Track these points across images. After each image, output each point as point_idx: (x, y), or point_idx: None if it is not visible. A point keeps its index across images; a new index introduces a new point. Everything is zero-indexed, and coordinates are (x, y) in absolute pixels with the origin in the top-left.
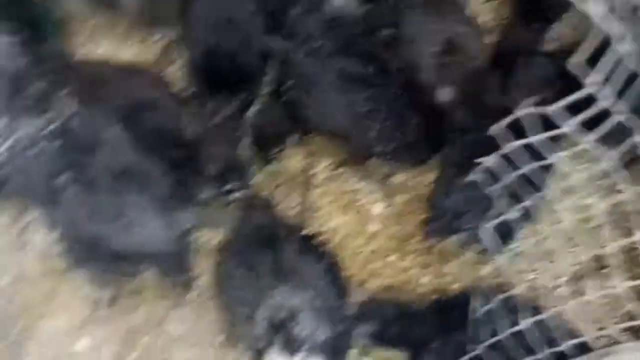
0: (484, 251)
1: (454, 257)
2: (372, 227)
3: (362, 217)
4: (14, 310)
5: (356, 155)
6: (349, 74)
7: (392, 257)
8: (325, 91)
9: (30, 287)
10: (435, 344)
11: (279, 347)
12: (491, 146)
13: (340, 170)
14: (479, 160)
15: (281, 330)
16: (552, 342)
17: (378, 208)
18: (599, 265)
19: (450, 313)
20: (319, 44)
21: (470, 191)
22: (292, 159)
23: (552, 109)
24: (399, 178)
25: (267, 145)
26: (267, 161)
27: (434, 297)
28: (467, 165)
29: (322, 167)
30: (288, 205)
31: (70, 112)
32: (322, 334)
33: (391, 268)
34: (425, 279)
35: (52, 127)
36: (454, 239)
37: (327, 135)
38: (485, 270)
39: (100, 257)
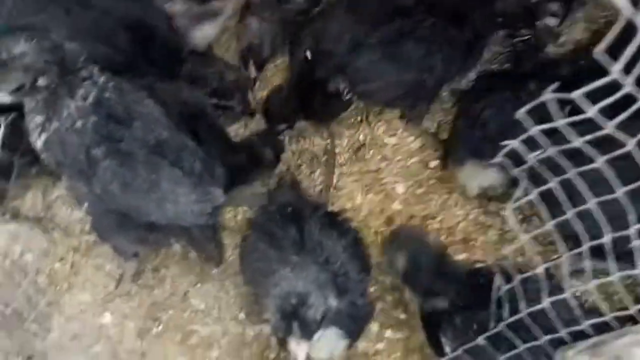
0: (506, 231)
1: (477, 236)
2: (395, 206)
3: (385, 197)
4: (40, 285)
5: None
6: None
7: None
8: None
9: (57, 262)
10: (458, 319)
11: (297, 334)
12: None
13: (363, 150)
14: (504, 142)
15: (295, 317)
16: (572, 322)
17: (401, 188)
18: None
19: (473, 290)
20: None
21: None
22: (316, 139)
23: (577, 94)
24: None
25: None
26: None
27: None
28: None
29: (346, 147)
30: (312, 184)
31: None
32: (342, 307)
33: None
34: None
35: (87, 102)
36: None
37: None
38: (508, 249)
39: (132, 229)
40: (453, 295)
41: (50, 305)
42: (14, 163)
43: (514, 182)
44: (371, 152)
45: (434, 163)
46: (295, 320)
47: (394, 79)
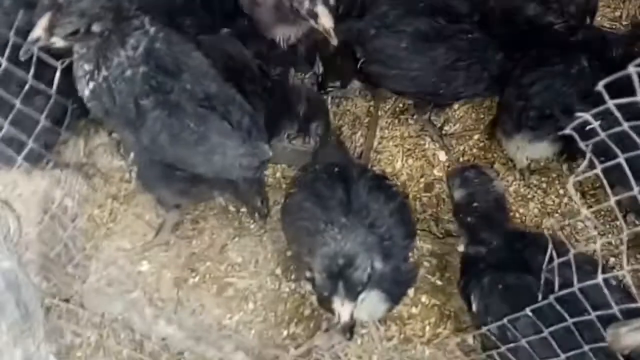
0: (547, 204)
1: (518, 208)
2: (436, 173)
3: (425, 163)
4: (80, 230)
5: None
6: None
7: None
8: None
9: (96, 208)
10: (486, 279)
11: (342, 294)
12: None
13: (406, 114)
14: (578, 114)
15: (341, 277)
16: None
17: (442, 155)
18: None
19: (508, 251)
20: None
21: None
22: (359, 101)
23: None
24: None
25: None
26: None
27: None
28: None
29: (389, 111)
30: (352, 145)
31: (155, 38)
32: (386, 271)
33: None
34: None
35: (138, 52)
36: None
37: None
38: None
39: (176, 181)
40: (489, 249)
41: (89, 250)
42: (67, 109)
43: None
44: (414, 117)
45: (476, 135)
46: (341, 280)
47: (411, 75)
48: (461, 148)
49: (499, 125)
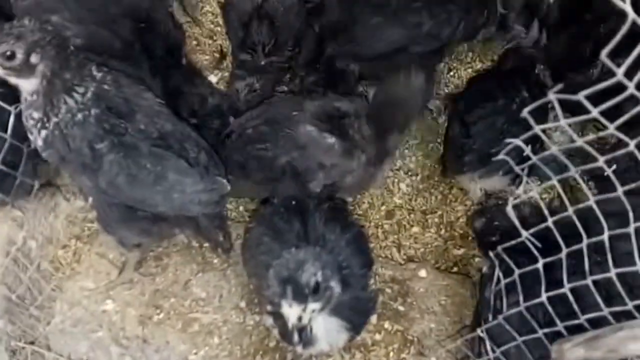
0: None
1: None
2: (396, 200)
3: (386, 190)
4: (44, 272)
5: None
6: None
7: (416, 229)
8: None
9: (60, 249)
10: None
11: (290, 296)
12: None
13: None
14: (508, 140)
15: (289, 281)
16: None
17: (403, 184)
18: None
19: None
20: None
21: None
22: None
23: (582, 95)
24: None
25: None
26: None
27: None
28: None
29: None
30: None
31: (103, 81)
32: (345, 300)
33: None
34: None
35: (86, 97)
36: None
37: None
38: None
39: (136, 221)
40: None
41: (53, 291)
42: (23, 152)
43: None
44: None
45: (435, 158)
46: (289, 284)
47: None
48: (420, 173)
49: (447, 162)
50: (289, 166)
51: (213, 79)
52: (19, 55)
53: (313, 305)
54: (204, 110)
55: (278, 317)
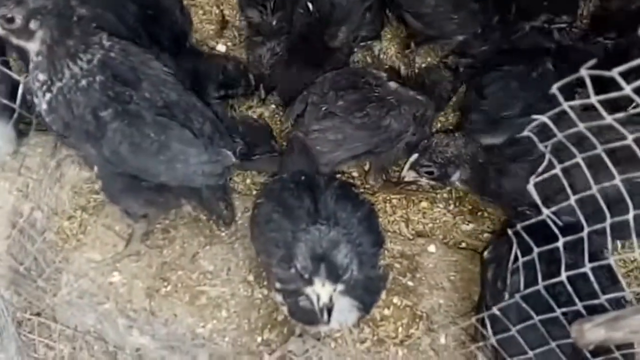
0: None
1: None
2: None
3: (396, 165)
4: (50, 243)
5: None
6: None
7: (424, 204)
8: None
9: (65, 220)
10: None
11: (324, 275)
12: None
13: None
14: (535, 116)
15: (324, 259)
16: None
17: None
18: None
19: None
20: None
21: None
22: None
23: (613, 72)
24: None
25: None
26: None
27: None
28: None
29: None
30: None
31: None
32: (357, 279)
33: (423, 215)
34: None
35: (92, 64)
36: None
37: None
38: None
39: (141, 191)
40: None
41: (60, 263)
42: (32, 122)
43: None
44: None
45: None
46: (324, 262)
47: None
48: None
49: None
50: (296, 140)
51: (221, 47)
52: (18, 20)
53: (340, 286)
54: (229, 77)
55: (288, 294)
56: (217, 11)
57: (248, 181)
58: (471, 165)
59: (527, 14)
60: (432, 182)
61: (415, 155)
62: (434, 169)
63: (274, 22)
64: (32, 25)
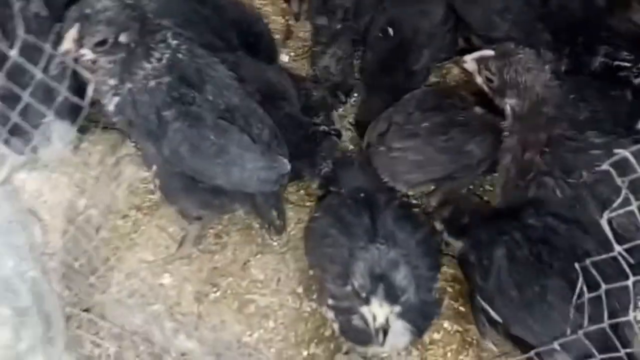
0: None
1: None
2: None
3: None
4: (104, 241)
5: None
6: None
7: None
8: None
9: (120, 219)
10: None
11: (382, 295)
12: None
13: None
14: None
15: (383, 280)
16: None
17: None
18: None
19: None
20: None
21: None
22: None
23: None
24: None
25: None
26: None
27: None
28: None
29: None
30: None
31: (178, 50)
32: (415, 302)
33: None
34: None
35: (162, 63)
36: None
37: None
38: None
39: (197, 192)
40: None
41: (112, 261)
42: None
43: None
44: None
45: None
46: (382, 282)
47: None
48: None
49: None
50: (361, 156)
51: (284, 57)
52: (110, 40)
53: (397, 308)
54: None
55: (340, 311)
56: (283, 21)
57: (302, 192)
58: (535, 110)
59: (588, 45)
60: (484, 86)
61: (488, 52)
62: (496, 81)
63: (338, 27)
64: (122, 38)
